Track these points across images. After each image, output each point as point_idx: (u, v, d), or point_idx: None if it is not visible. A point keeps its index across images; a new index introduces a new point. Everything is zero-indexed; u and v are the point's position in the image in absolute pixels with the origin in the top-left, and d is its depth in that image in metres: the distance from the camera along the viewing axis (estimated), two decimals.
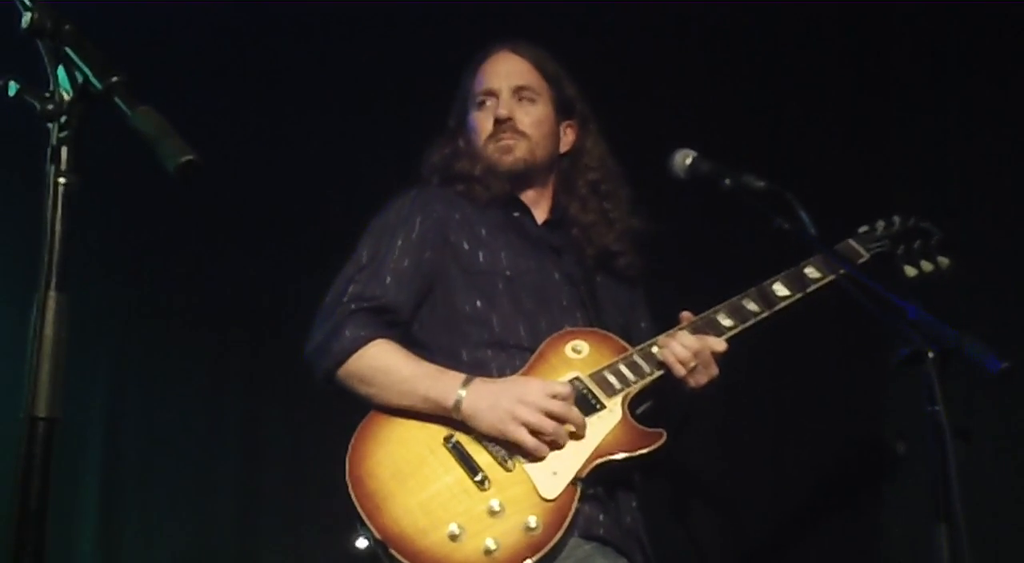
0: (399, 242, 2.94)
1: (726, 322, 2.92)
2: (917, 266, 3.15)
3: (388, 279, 2.90)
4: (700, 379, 2.84)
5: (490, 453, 2.71)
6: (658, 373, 2.85)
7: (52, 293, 1.72)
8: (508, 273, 2.96)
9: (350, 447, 2.72)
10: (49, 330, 1.71)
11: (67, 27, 1.78)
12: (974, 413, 3.50)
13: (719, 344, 2.86)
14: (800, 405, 4.06)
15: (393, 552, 2.56)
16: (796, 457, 4.07)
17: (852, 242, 3.14)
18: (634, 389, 2.83)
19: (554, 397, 2.72)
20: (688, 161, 2.90)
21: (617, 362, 2.86)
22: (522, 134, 3.07)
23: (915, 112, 4.10)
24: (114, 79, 1.76)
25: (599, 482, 2.75)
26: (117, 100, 1.76)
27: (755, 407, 4.04)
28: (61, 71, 1.77)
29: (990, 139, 3.93)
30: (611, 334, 2.95)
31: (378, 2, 4.30)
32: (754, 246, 3.24)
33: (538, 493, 2.66)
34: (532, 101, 3.11)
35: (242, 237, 4.34)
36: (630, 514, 2.87)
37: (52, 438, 1.71)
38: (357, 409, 2.83)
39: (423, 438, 2.73)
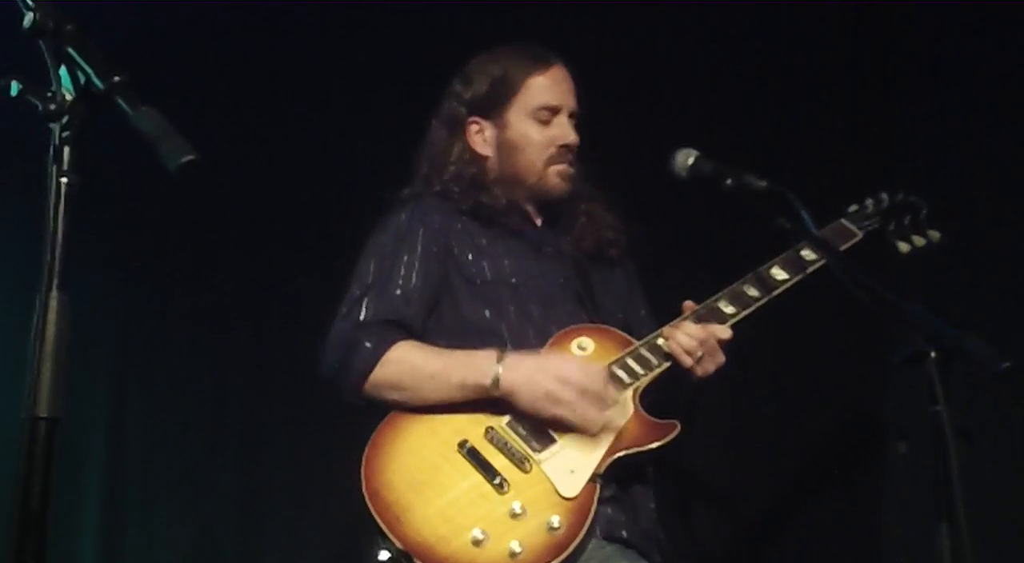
0: (404, 257, 2.89)
1: (728, 309, 2.91)
2: (909, 241, 3.15)
3: (398, 294, 2.86)
4: (708, 367, 2.83)
5: (506, 455, 2.69)
6: (666, 364, 2.84)
7: (54, 293, 1.72)
8: (513, 281, 2.94)
9: (363, 460, 2.67)
10: (51, 330, 1.71)
11: (69, 27, 1.78)
12: (976, 413, 3.50)
13: (724, 331, 2.86)
14: (800, 404, 4.06)
15: None
16: (797, 456, 4.07)
17: (844, 222, 3.13)
18: (644, 382, 2.83)
19: (592, 376, 2.73)
20: (690, 161, 2.89)
21: (624, 356, 2.85)
22: (574, 161, 3.03)
23: (914, 109, 4.10)
24: (116, 79, 1.76)
25: (616, 478, 2.74)
26: (119, 100, 1.76)
27: (755, 406, 4.04)
28: (63, 71, 1.77)
29: (992, 139, 3.93)
30: (614, 328, 2.94)
31: (383, 2, 4.30)
32: (754, 240, 3.23)
33: (558, 492, 2.65)
34: (575, 126, 3.05)
35: (245, 237, 4.34)
36: (648, 515, 2.86)
37: (53, 438, 1.71)
38: (359, 410, 2.82)
39: (435, 446, 2.70)
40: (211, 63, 4.36)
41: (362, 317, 2.83)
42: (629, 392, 2.81)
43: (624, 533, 2.75)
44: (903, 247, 3.15)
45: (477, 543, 2.56)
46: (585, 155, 3.09)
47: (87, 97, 1.76)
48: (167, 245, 4.39)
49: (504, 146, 3.02)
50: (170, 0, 4.27)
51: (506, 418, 2.75)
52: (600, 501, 2.68)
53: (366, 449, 2.70)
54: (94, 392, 4.29)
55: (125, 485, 4.30)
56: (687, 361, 2.81)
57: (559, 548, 2.59)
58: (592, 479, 2.68)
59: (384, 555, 2.58)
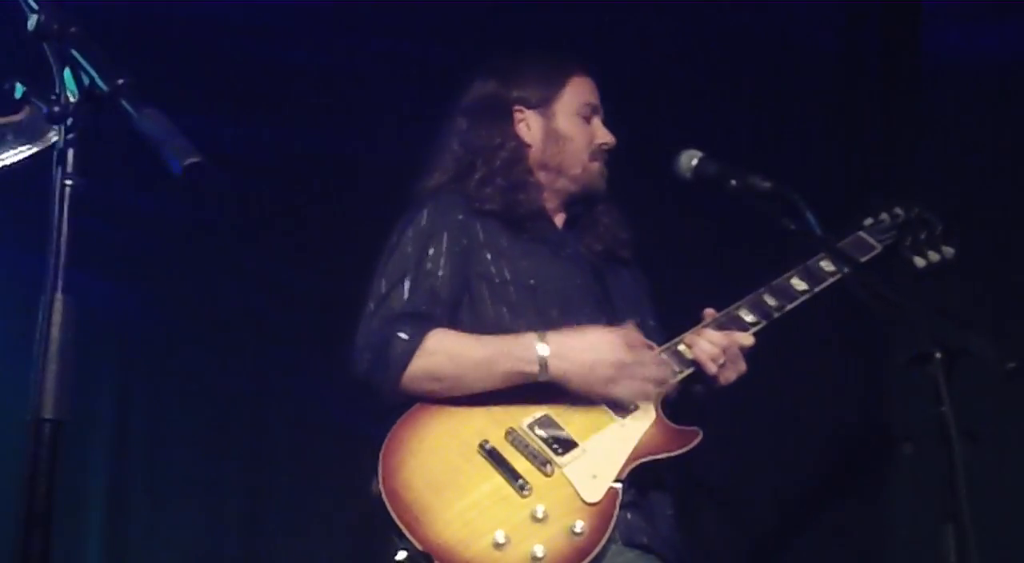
0: (430, 251, 2.86)
1: (748, 318, 2.92)
2: (924, 257, 3.14)
3: (426, 287, 2.82)
4: (730, 375, 2.84)
5: (527, 458, 2.67)
6: (687, 371, 2.84)
7: (58, 295, 1.72)
8: (532, 282, 2.92)
9: (380, 458, 2.64)
10: (55, 332, 1.71)
11: (73, 29, 1.78)
12: (981, 414, 3.50)
13: (747, 339, 2.86)
14: (805, 405, 4.05)
15: None
16: (802, 458, 4.07)
17: (863, 234, 3.13)
18: (665, 388, 2.82)
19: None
20: (694, 162, 2.89)
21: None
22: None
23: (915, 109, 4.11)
24: (120, 81, 1.76)
25: (636, 484, 2.73)
26: (123, 102, 1.76)
27: (760, 408, 4.04)
28: (67, 73, 1.77)
29: (994, 138, 3.93)
30: (639, 334, 2.91)
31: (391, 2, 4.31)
32: (760, 244, 3.24)
33: (580, 497, 2.63)
34: None
35: (250, 239, 4.33)
36: (666, 521, 2.84)
37: (58, 440, 1.71)
38: (363, 411, 2.82)
39: (456, 446, 2.68)
40: (214, 65, 4.36)
41: (393, 311, 2.78)
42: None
43: (645, 539, 2.73)
44: (918, 262, 3.14)
45: (499, 546, 2.54)
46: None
47: (91, 99, 1.76)
48: (174, 247, 4.39)
49: (551, 135, 3.04)
50: (173, 2, 4.27)
51: (527, 419, 2.73)
52: (621, 506, 2.66)
53: (383, 446, 2.66)
54: (99, 394, 4.29)
55: (130, 487, 4.29)
56: (712, 368, 2.82)
57: (582, 553, 2.57)
58: (614, 484, 2.66)
59: (402, 555, 2.56)
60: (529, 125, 3.04)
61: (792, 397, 4.07)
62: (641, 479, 2.74)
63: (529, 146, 3.03)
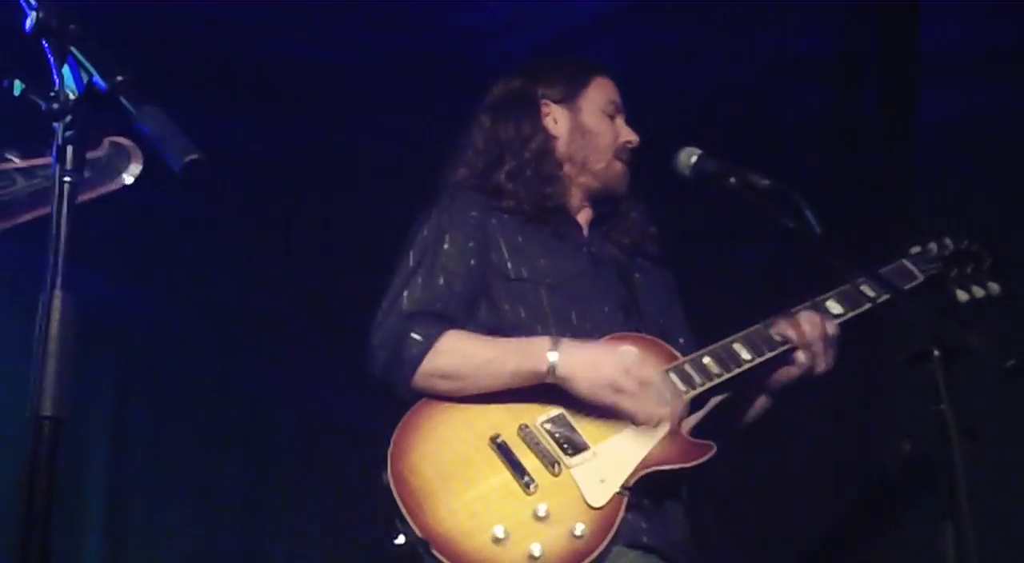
0: (445, 247, 2.86)
1: (836, 310, 2.95)
2: (968, 291, 3.11)
3: (441, 285, 2.82)
4: (825, 363, 2.87)
5: (537, 455, 2.66)
6: (711, 382, 2.82)
7: (57, 292, 1.72)
8: (549, 281, 2.91)
9: (392, 441, 2.65)
10: (55, 329, 1.71)
11: (72, 26, 1.78)
12: (980, 411, 3.49)
13: (833, 326, 2.87)
14: (804, 403, 4.05)
15: (436, 552, 2.53)
16: (800, 456, 4.07)
17: (906, 263, 3.10)
18: (684, 400, 2.80)
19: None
20: (693, 160, 2.88)
21: (668, 370, 2.82)
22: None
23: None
24: (120, 78, 1.76)
25: (646, 492, 2.72)
26: (123, 99, 1.75)
27: None
28: (66, 70, 1.77)
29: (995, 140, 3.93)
30: (661, 341, 2.91)
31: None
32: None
33: (585, 500, 2.62)
34: None
35: (249, 238, 4.34)
36: (678, 526, 2.82)
37: (58, 437, 1.71)
38: (362, 410, 2.82)
39: (468, 437, 2.68)
40: (214, 61, 4.36)
41: (407, 309, 2.79)
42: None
43: (645, 539, 2.71)
44: (961, 296, 3.11)
45: (498, 542, 2.55)
46: None
47: (90, 96, 1.76)
48: (173, 245, 4.39)
49: (576, 129, 3.05)
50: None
51: (542, 417, 2.72)
52: (626, 510, 2.65)
53: (396, 431, 2.67)
54: (99, 391, 4.29)
55: (129, 484, 4.30)
56: (819, 347, 2.82)
57: (580, 556, 2.57)
58: (621, 491, 2.66)
59: (400, 539, 2.56)
60: (556, 119, 3.05)
61: (790, 396, 4.07)
62: (653, 487, 2.73)
63: (556, 138, 3.03)
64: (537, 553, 2.54)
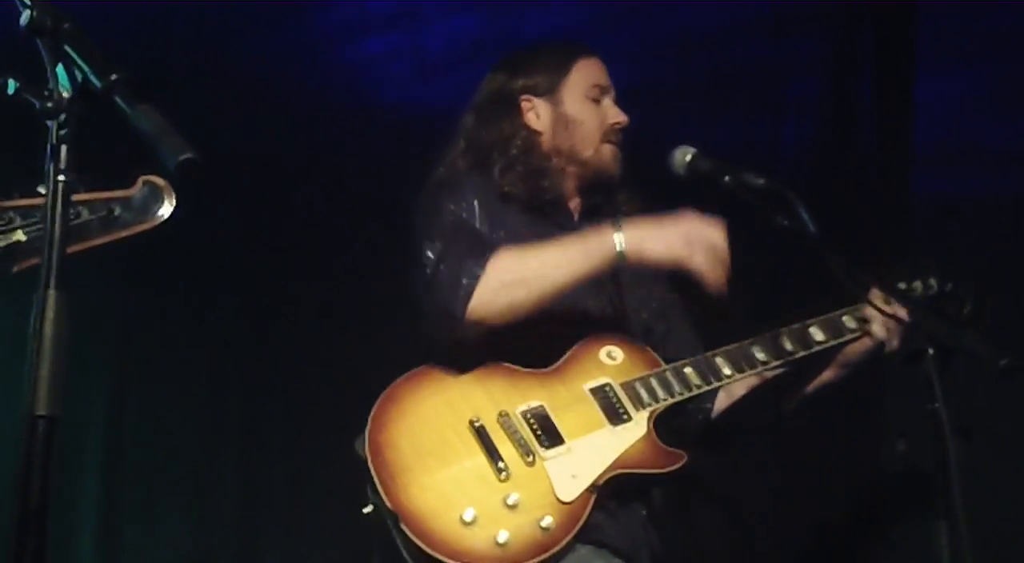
0: (464, 215, 2.86)
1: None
2: None
3: (478, 236, 2.82)
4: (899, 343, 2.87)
5: (513, 443, 2.69)
6: (684, 396, 2.84)
7: (52, 291, 1.72)
8: None
9: (372, 412, 2.68)
10: (49, 328, 1.71)
11: (66, 25, 1.78)
12: (974, 410, 3.50)
13: (903, 311, 2.83)
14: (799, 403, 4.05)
15: (403, 527, 2.56)
16: (795, 456, 4.07)
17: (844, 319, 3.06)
18: (662, 406, 2.82)
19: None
20: (688, 158, 2.89)
21: (649, 376, 2.84)
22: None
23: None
24: (114, 77, 1.75)
25: (614, 493, 2.74)
26: (117, 98, 1.75)
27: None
28: (60, 69, 1.77)
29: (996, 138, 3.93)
30: (647, 348, 2.93)
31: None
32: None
33: (555, 493, 2.65)
34: None
35: (244, 236, 4.33)
36: (641, 525, 2.84)
37: (52, 436, 1.70)
38: (359, 409, 2.82)
39: (448, 417, 2.71)
40: (210, 61, 4.35)
41: (455, 260, 2.75)
42: (647, 412, 2.80)
43: (600, 536, 2.73)
44: None
45: (466, 524, 2.58)
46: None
47: (85, 95, 1.76)
48: (166, 244, 4.37)
49: (560, 121, 3.03)
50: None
51: (522, 406, 2.74)
52: (592, 507, 2.67)
53: (379, 400, 2.70)
54: (93, 390, 4.28)
55: (124, 484, 4.29)
56: (890, 324, 2.84)
57: (544, 548, 2.60)
58: (591, 488, 2.68)
59: (367, 509, 2.60)
60: (538, 113, 3.04)
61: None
62: (622, 487, 2.75)
63: (540, 133, 3.03)
64: (503, 540, 2.57)
